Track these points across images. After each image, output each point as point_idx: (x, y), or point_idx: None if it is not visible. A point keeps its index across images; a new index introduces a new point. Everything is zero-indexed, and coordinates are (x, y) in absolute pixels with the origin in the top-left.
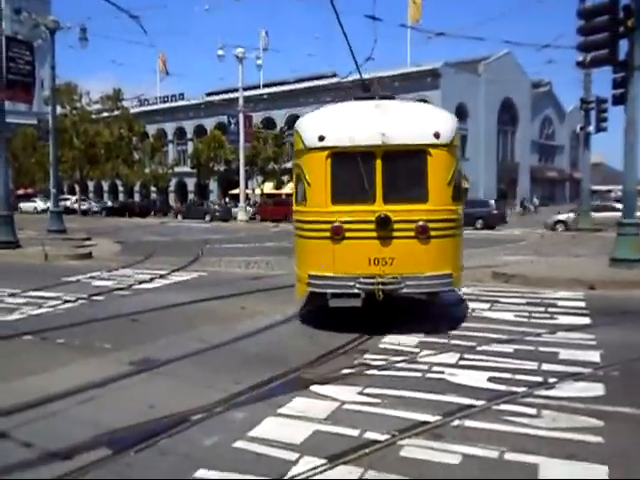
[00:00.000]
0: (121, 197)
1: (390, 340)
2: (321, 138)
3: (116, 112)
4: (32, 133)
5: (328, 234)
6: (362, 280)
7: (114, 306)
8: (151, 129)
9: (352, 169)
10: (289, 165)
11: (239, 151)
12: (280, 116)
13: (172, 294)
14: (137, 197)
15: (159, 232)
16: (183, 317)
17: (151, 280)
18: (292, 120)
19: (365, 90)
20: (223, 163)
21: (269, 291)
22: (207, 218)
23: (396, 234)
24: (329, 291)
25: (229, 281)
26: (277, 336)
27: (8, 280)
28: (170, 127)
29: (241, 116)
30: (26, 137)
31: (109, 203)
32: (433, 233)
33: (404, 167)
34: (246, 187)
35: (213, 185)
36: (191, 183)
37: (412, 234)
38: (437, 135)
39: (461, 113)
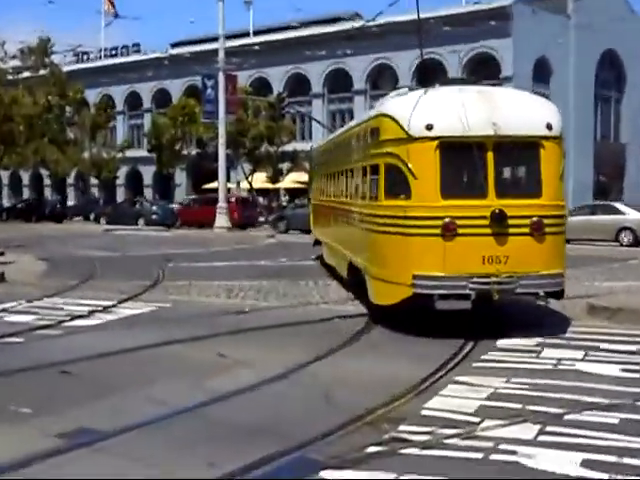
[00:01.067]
0: (48, 193)
1: (437, 403)
2: (429, 127)
3: (42, 71)
4: None
5: (438, 231)
6: (475, 280)
7: (36, 352)
8: (92, 95)
9: (462, 161)
10: (289, 148)
11: (218, 127)
12: (278, 76)
13: (120, 335)
14: (72, 192)
15: (101, 244)
16: (135, 368)
17: (90, 314)
18: (295, 82)
19: (423, 71)
20: (195, 145)
21: (261, 331)
22: (141, 223)
23: (511, 230)
24: (437, 292)
25: (202, 316)
26: (271, 397)
27: None
28: (119, 92)
29: (221, 76)
30: None
31: (5, 202)
32: (547, 230)
33: (516, 159)
34: (228, 179)
35: (180, 176)
36: (148, 173)
37: (527, 230)
38: (549, 126)
39: (541, 71)
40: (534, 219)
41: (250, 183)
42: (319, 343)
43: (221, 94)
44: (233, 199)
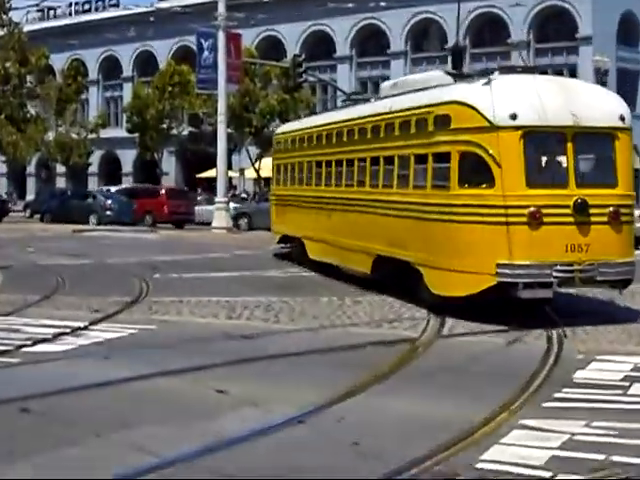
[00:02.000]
0: (2, 182)
1: (497, 454)
2: (513, 116)
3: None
4: None
5: (524, 219)
6: (559, 268)
7: None
8: (59, 61)
9: (544, 150)
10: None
11: (217, 100)
12: (293, 35)
13: (93, 364)
14: (33, 183)
15: (69, 249)
16: (113, 407)
17: (56, 338)
18: (316, 42)
19: (456, 56)
20: (187, 123)
21: (271, 361)
22: (93, 221)
23: (592, 219)
24: (523, 281)
25: (197, 341)
26: (284, 447)
27: None
28: (93, 57)
29: (221, 36)
30: None
31: None
32: (623, 218)
33: (593, 149)
34: (229, 166)
35: (169, 163)
36: (128, 159)
37: (605, 219)
38: (622, 118)
39: (628, 32)
40: (612, 208)
41: (257, 170)
42: (346, 376)
43: (221, 58)
44: (163, 190)
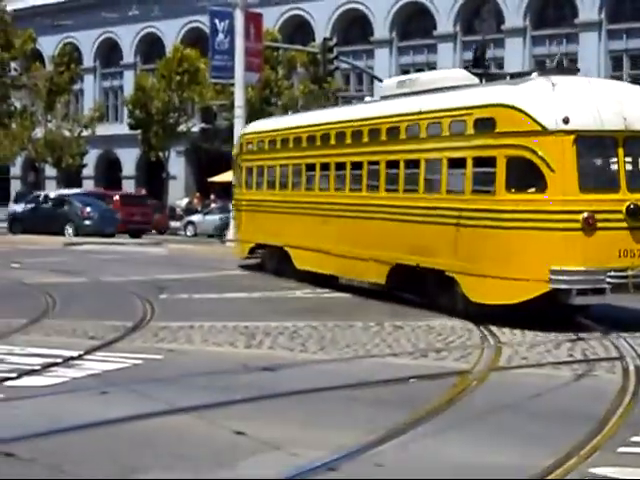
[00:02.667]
0: None
1: None
2: (566, 120)
3: None
4: None
5: (578, 225)
6: (612, 274)
7: None
8: (49, 45)
9: (595, 155)
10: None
11: (234, 92)
12: (323, 14)
13: (88, 400)
14: (15, 186)
15: (61, 266)
16: (113, 452)
17: (45, 369)
18: (349, 23)
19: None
20: (198, 118)
21: (297, 397)
22: (69, 231)
23: None
24: (576, 287)
25: (211, 374)
26: None
27: None
28: (88, 41)
29: (239, 15)
30: None
31: None
32: None
33: None
34: None
35: (177, 164)
36: (130, 159)
37: None
38: None
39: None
40: None
41: None
42: (385, 416)
43: (239, 42)
44: (116, 197)
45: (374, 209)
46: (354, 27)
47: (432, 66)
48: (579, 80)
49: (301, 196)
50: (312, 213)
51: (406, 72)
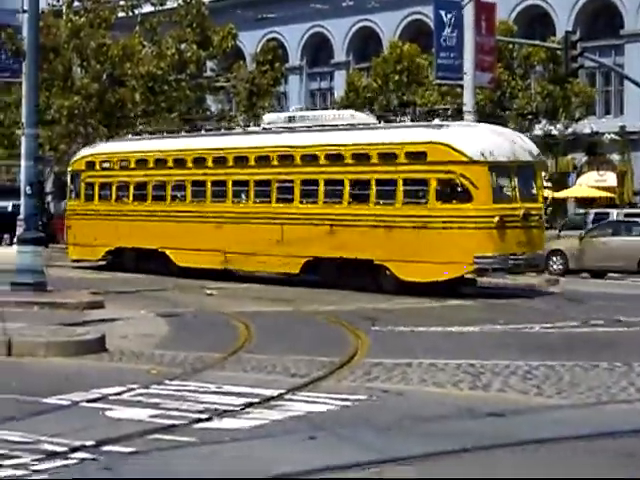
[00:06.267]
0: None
1: None
2: (483, 153)
3: (171, 3)
4: None
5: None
6: (513, 257)
7: (155, 470)
8: (250, 41)
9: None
10: (583, 129)
11: (463, 94)
12: (564, 4)
13: (291, 446)
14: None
15: (263, 292)
16: None
17: (242, 410)
18: (595, 15)
19: None
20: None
21: (531, 448)
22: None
23: None
24: (492, 267)
25: (430, 420)
26: None
27: None
28: (295, 36)
29: (469, 6)
30: None
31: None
32: None
33: None
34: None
35: None
36: None
37: None
38: None
39: None
40: None
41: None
42: (633, 472)
43: (469, 36)
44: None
45: (299, 216)
46: (601, 18)
47: None
48: (484, 126)
49: (190, 206)
50: (212, 221)
51: None
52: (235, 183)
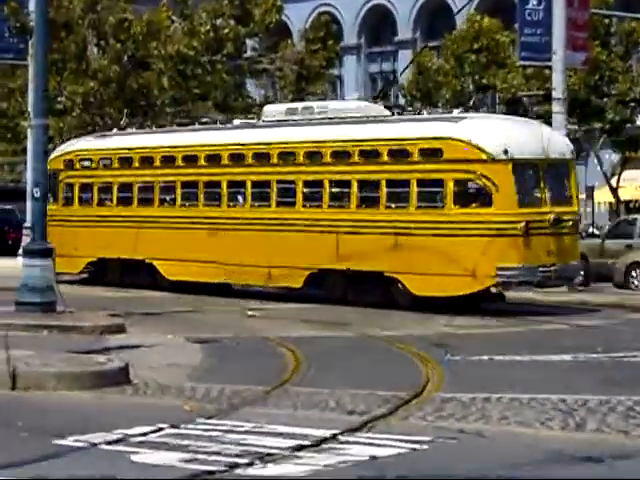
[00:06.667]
0: None
1: None
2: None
3: None
4: None
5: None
6: (541, 269)
7: None
8: (299, 16)
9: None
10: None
11: (552, 77)
12: None
13: None
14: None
15: (315, 314)
16: None
17: (289, 453)
18: None
19: None
20: (503, 110)
21: None
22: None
23: None
24: (517, 280)
25: (515, 466)
26: None
27: None
28: (351, 9)
29: None
30: None
31: None
32: None
33: None
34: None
35: None
36: None
37: None
38: None
39: None
40: None
41: (614, 188)
42: None
43: (558, 10)
44: None
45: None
46: None
47: None
48: (508, 119)
49: (181, 212)
50: (198, 228)
51: None
52: (230, 184)
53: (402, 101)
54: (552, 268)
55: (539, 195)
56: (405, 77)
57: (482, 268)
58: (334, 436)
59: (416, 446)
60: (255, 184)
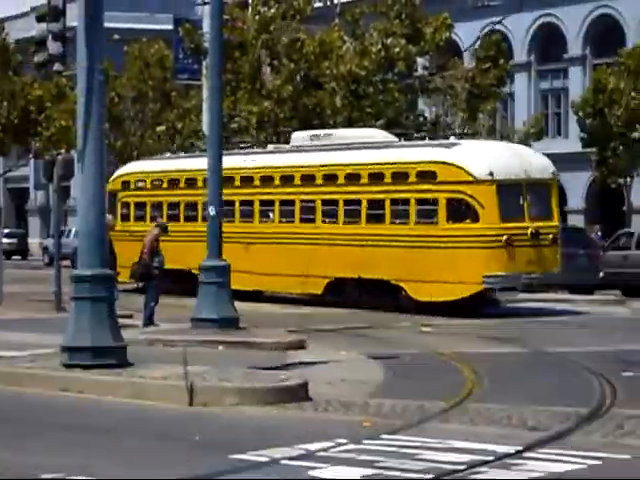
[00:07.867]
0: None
1: None
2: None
3: None
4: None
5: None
6: (524, 276)
7: None
8: (468, 33)
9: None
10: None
11: None
12: None
13: None
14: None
15: (488, 329)
16: None
17: (470, 469)
18: None
19: None
20: None
21: None
22: None
23: None
24: (500, 286)
25: None
26: None
27: (97, 459)
28: (520, 26)
29: None
30: None
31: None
32: None
33: None
34: None
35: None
36: (577, 185)
37: None
38: None
39: None
40: None
41: None
42: None
43: None
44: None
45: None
46: None
47: None
48: (496, 144)
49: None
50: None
51: None
52: (262, 203)
53: (574, 118)
54: (533, 276)
55: (521, 211)
56: (578, 94)
57: (470, 276)
58: (517, 452)
59: (594, 462)
60: (282, 203)
